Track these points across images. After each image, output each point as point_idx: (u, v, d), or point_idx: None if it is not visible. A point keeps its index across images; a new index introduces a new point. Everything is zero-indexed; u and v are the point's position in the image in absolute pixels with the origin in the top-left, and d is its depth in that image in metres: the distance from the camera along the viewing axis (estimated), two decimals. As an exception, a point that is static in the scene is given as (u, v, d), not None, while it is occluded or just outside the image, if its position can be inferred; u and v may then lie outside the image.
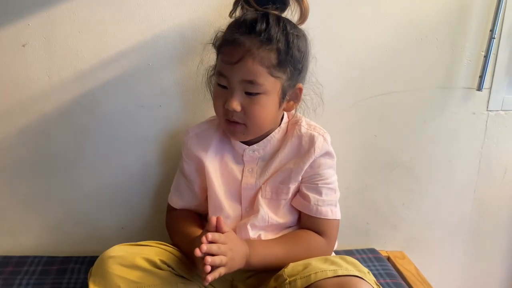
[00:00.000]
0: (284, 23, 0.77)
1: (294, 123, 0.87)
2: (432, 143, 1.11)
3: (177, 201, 0.94)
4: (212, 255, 0.69)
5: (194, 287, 0.79)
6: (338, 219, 0.87)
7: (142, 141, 1.01)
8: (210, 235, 0.71)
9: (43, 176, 1.01)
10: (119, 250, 0.76)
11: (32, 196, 1.02)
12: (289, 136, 0.86)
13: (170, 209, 0.96)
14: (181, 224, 0.88)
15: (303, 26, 0.83)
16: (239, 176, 0.86)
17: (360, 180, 1.12)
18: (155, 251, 0.78)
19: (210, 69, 0.91)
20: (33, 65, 0.94)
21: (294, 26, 0.80)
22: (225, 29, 0.81)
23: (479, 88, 1.06)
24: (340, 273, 0.68)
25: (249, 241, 0.80)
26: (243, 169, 0.86)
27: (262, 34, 0.74)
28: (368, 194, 1.13)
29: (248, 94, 0.77)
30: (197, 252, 0.68)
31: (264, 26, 0.75)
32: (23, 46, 0.93)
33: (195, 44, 0.95)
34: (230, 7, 0.85)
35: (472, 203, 1.17)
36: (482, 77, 1.05)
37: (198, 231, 0.80)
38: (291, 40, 0.77)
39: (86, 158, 1.01)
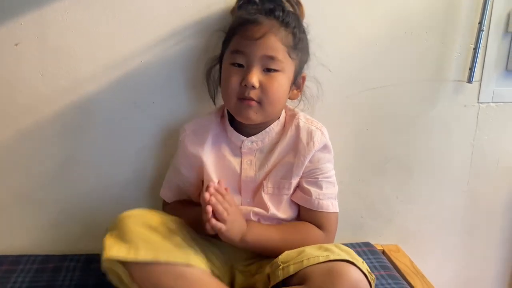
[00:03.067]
0: (295, 15, 0.85)
1: (292, 117, 0.88)
2: (424, 136, 1.12)
3: (170, 196, 0.95)
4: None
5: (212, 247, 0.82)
6: (337, 212, 0.89)
7: (136, 138, 1.02)
8: (215, 184, 0.75)
9: (38, 175, 1.01)
10: (135, 212, 0.78)
11: (27, 195, 1.02)
12: (287, 130, 0.87)
13: (165, 204, 0.97)
14: (179, 210, 0.89)
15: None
16: (238, 169, 0.87)
17: (354, 174, 1.12)
18: (168, 217, 0.80)
19: (211, 61, 0.92)
20: (26, 64, 0.94)
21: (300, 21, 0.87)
22: (235, 12, 0.86)
23: (469, 80, 1.07)
24: (332, 257, 0.69)
25: (248, 221, 0.82)
26: (241, 161, 0.87)
27: (281, 18, 0.81)
28: (362, 188, 1.14)
29: (267, 71, 0.80)
30: (206, 195, 0.71)
31: (281, 12, 0.82)
32: (16, 45, 0.93)
33: (187, 41, 0.96)
34: (222, 5, 0.90)
35: (466, 196, 1.18)
36: (472, 69, 1.06)
37: (198, 208, 0.80)
38: (302, 30, 0.85)
39: (80, 156, 1.01)
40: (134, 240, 0.71)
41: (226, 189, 0.79)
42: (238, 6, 0.88)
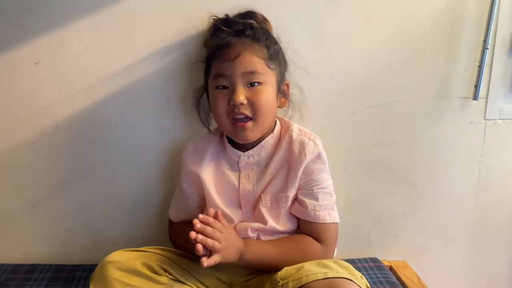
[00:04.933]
0: (263, 30, 0.89)
1: (286, 129, 0.90)
2: (430, 153, 1.12)
3: (175, 215, 0.98)
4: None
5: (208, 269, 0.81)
6: (337, 222, 0.88)
7: (148, 153, 1.06)
8: (201, 216, 0.76)
9: (53, 186, 1.06)
10: (118, 255, 0.80)
11: (42, 206, 1.06)
12: (282, 142, 0.89)
13: (171, 223, 1.00)
14: (181, 231, 0.91)
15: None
16: (236, 183, 0.89)
17: (360, 190, 1.13)
18: (153, 257, 0.82)
19: (198, 90, 0.96)
20: (45, 81, 1.00)
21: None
22: (208, 42, 0.90)
23: (475, 97, 1.08)
24: (330, 275, 0.71)
25: (245, 240, 0.83)
26: (239, 175, 0.89)
27: (251, 35, 0.84)
28: (369, 204, 1.14)
29: (251, 85, 0.82)
30: (192, 234, 0.72)
31: (250, 30, 0.85)
32: (36, 64, 0.99)
33: (197, 59, 1.00)
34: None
35: (474, 212, 1.17)
36: (477, 86, 1.07)
37: None
38: (274, 41, 0.89)
39: (93, 169, 1.06)
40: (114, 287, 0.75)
41: (216, 213, 0.80)
42: (210, 35, 0.91)
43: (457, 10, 1.04)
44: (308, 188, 0.87)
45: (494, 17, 1.03)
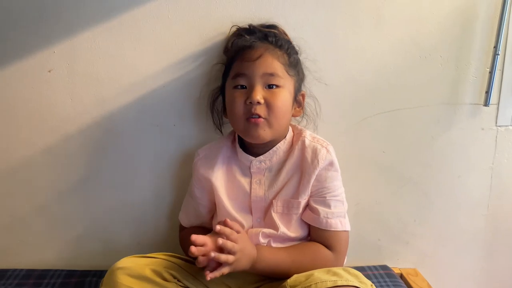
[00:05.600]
0: (286, 40, 0.92)
1: (298, 135, 0.91)
2: (441, 159, 1.11)
3: (185, 220, 0.99)
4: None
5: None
6: (348, 231, 0.88)
7: (157, 159, 1.06)
8: (218, 227, 0.76)
9: (64, 192, 1.07)
10: (128, 262, 0.80)
11: (53, 212, 1.08)
12: (294, 148, 0.89)
13: (181, 229, 1.01)
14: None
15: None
16: (248, 189, 0.89)
17: (370, 197, 1.13)
18: (162, 263, 0.82)
19: (212, 93, 0.97)
20: (57, 89, 1.01)
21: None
22: (229, 48, 0.91)
23: (486, 103, 1.07)
24: (339, 283, 0.70)
25: (257, 246, 0.82)
26: (250, 181, 0.89)
27: (274, 41, 0.88)
28: (379, 211, 1.13)
29: (269, 87, 0.84)
30: (193, 249, 0.72)
31: (273, 37, 0.89)
32: (49, 71, 1.01)
33: (207, 66, 1.01)
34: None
35: (485, 219, 1.16)
36: (488, 93, 1.06)
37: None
38: (295, 51, 0.92)
39: (104, 175, 1.07)
40: None
41: (225, 221, 0.80)
42: (231, 44, 0.92)
43: (467, 15, 1.04)
44: (321, 195, 0.87)
45: (504, 23, 1.02)
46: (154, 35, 0.99)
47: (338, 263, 0.87)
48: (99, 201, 1.08)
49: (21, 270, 1.06)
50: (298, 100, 0.91)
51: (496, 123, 1.10)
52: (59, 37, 0.98)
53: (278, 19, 0.98)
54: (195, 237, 0.74)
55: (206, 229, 0.94)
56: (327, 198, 0.87)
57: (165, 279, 0.80)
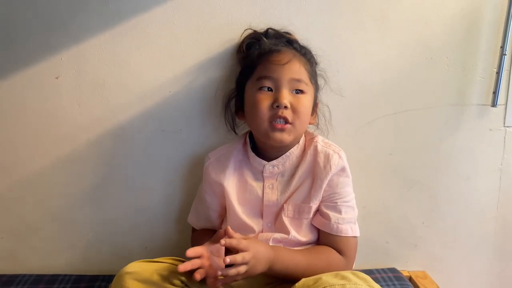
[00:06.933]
0: (308, 50, 0.94)
1: (311, 141, 0.91)
2: (449, 161, 1.11)
3: (196, 223, 0.99)
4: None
5: None
6: (357, 237, 0.89)
7: (164, 164, 1.07)
8: (223, 241, 0.73)
9: (73, 198, 1.07)
10: (135, 266, 0.80)
11: (62, 217, 1.08)
12: (306, 153, 0.89)
13: (193, 230, 1.02)
14: (202, 240, 0.91)
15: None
16: (260, 193, 0.89)
17: (378, 199, 1.12)
18: (170, 268, 0.82)
19: (228, 94, 0.97)
20: (65, 95, 1.02)
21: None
22: (245, 46, 0.94)
23: (494, 104, 1.06)
24: (348, 287, 0.70)
25: (274, 247, 0.81)
26: (263, 185, 0.89)
27: (299, 49, 0.90)
28: (387, 213, 1.13)
29: (295, 92, 0.85)
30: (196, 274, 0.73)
31: (298, 45, 0.91)
32: (57, 78, 1.02)
33: (213, 71, 1.02)
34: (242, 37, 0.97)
35: (495, 221, 1.15)
36: (495, 93, 1.06)
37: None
38: (315, 62, 0.94)
39: (111, 181, 1.07)
40: None
41: (226, 229, 0.77)
42: (247, 46, 0.93)
43: (473, 16, 1.03)
44: (332, 201, 0.87)
45: (511, 22, 1.02)
46: (160, 41, 1.00)
47: (348, 268, 0.87)
48: (108, 207, 1.08)
49: (31, 275, 1.06)
50: (314, 108, 0.93)
51: (504, 123, 1.10)
52: (67, 44, 0.99)
53: (283, 22, 0.98)
54: (190, 252, 0.74)
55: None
56: (338, 203, 0.87)
57: (173, 284, 0.80)
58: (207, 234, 0.92)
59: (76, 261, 1.11)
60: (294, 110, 0.84)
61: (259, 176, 0.90)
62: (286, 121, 0.83)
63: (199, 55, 1.01)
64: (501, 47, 1.04)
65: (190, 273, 0.83)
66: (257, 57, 0.88)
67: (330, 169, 0.86)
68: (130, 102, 1.03)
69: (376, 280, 0.80)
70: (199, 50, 1.01)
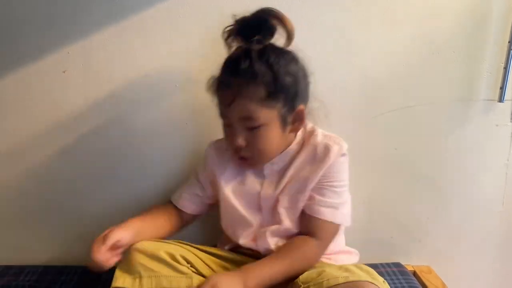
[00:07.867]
0: (267, 55, 0.78)
1: (311, 134, 0.90)
2: (454, 156, 1.11)
3: (177, 194, 0.97)
4: None
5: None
6: (337, 224, 0.87)
7: (170, 157, 1.08)
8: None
9: (80, 190, 1.09)
10: (144, 244, 0.82)
11: (69, 209, 1.10)
12: (305, 146, 0.88)
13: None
14: (157, 208, 0.95)
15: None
16: (259, 187, 0.89)
17: (383, 194, 1.12)
18: (177, 248, 0.83)
19: None
20: (71, 89, 1.03)
21: (280, 52, 0.81)
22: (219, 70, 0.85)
23: (501, 99, 1.06)
24: (351, 279, 0.70)
25: (243, 268, 0.80)
26: (263, 181, 0.89)
27: (246, 73, 0.77)
28: (392, 208, 1.13)
29: (249, 129, 0.81)
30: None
31: (247, 64, 0.77)
32: (63, 72, 1.02)
33: (218, 64, 1.01)
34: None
35: (500, 217, 1.15)
36: (503, 88, 1.05)
37: (157, 219, 0.91)
38: (276, 70, 0.78)
39: (118, 173, 1.08)
40: (139, 271, 0.79)
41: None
42: (227, 37, 0.84)
43: (480, 10, 1.03)
44: (320, 183, 0.86)
45: (519, 18, 1.01)
46: (165, 35, 1.00)
47: (320, 249, 0.85)
48: (113, 198, 1.09)
49: (39, 266, 1.08)
50: (295, 118, 0.84)
51: (511, 119, 1.09)
52: (73, 39, 1.00)
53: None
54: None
55: (177, 217, 0.95)
56: (325, 186, 0.85)
57: (178, 262, 0.81)
58: (167, 209, 0.94)
59: (84, 252, 1.11)
60: (251, 147, 0.82)
61: (260, 174, 0.90)
62: (247, 157, 0.84)
63: (205, 48, 1.01)
64: (508, 42, 1.03)
65: (194, 255, 0.85)
66: (213, 90, 0.85)
67: (329, 159, 0.85)
68: (136, 96, 1.04)
69: (381, 274, 0.79)
70: (204, 43, 1.01)
